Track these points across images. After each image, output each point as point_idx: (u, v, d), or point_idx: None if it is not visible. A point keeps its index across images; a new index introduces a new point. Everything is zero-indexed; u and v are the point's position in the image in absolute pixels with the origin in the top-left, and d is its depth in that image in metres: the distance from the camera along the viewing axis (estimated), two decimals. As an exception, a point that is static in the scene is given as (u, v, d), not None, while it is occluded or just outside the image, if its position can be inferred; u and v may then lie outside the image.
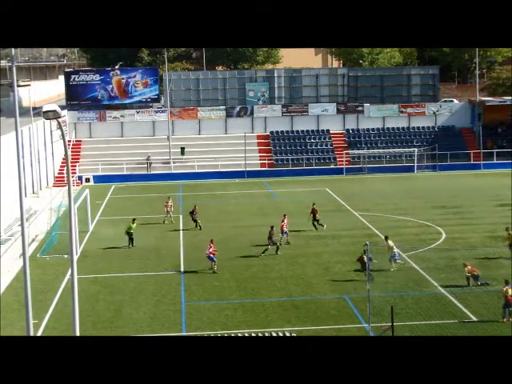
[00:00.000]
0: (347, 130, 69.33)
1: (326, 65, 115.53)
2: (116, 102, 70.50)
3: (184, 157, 65.22)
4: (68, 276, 32.38)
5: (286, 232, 38.33)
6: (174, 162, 64.73)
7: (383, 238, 35.61)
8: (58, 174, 62.76)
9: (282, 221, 38.64)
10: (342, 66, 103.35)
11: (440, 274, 32.33)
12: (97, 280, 33.13)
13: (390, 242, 33.76)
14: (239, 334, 25.43)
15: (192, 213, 43.14)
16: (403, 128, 69.46)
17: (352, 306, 28.44)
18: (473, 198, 50.99)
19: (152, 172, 63.96)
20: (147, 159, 64.13)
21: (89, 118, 68.20)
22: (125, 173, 62.93)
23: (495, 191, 52.39)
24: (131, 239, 38.69)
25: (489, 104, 69.07)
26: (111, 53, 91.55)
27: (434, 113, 69.59)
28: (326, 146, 67.75)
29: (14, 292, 31.03)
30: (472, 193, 52.87)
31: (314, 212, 41.54)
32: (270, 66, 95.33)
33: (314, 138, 68.46)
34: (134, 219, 39.63)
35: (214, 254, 33.49)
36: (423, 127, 69.45)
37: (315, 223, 41.19)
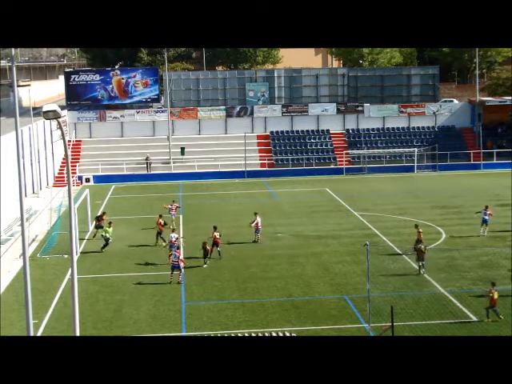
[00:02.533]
0: (347, 130, 69.33)
1: (326, 65, 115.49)
2: (116, 101, 70.49)
3: (184, 157, 65.21)
4: (68, 276, 32.39)
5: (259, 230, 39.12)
6: (173, 162, 64.72)
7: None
8: (58, 174, 62.75)
9: (255, 220, 39.20)
10: (342, 66, 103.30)
11: (440, 274, 32.33)
12: (97, 280, 33.12)
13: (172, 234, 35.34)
14: (239, 334, 25.43)
15: (98, 219, 41.24)
16: (403, 128, 69.46)
17: (352, 306, 28.44)
18: (473, 198, 50.98)
19: (152, 172, 63.93)
20: (146, 159, 64.09)
21: (89, 117, 68.20)
22: (125, 173, 62.91)
23: (495, 191, 52.41)
24: (107, 243, 37.82)
25: (489, 104, 69.05)
26: (111, 53, 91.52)
27: (434, 113, 69.59)
28: (326, 145, 67.74)
29: (14, 292, 31.03)
30: (472, 193, 52.88)
31: (159, 226, 39.46)
32: (270, 66, 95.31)
33: (314, 138, 68.45)
34: (110, 222, 39.24)
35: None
36: (423, 127, 69.45)
37: (158, 236, 39.21)
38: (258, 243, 38.71)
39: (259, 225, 39.12)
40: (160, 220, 39.30)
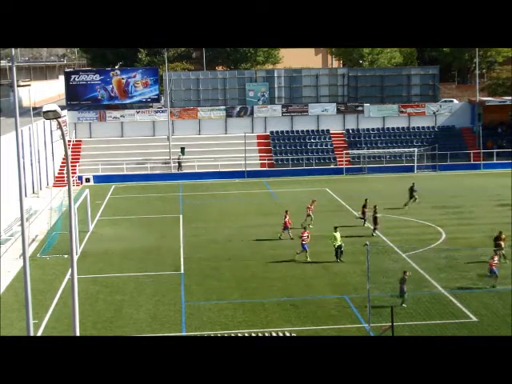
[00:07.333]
0: (347, 130, 69.32)
1: (326, 65, 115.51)
2: (116, 101, 70.49)
3: (184, 157, 65.20)
4: (68, 276, 32.39)
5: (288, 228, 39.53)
6: (174, 162, 64.72)
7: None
8: (58, 174, 62.74)
9: (285, 217, 39.69)
10: (342, 66, 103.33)
11: (440, 274, 32.32)
12: (97, 280, 33.12)
13: None
14: (239, 334, 25.43)
15: (364, 206, 42.80)
16: (403, 128, 69.46)
17: (352, 306, 28.43)
18: (473, 198, 50.97)
19: (152, 172, 63.90)
20: (178, 159, 63.98)
21: (89, 117, 68.20)
22: (125, 173, 62.90)
23: (495, 191, 52.40)
24: (341, 252, 35.12)
25: (489, 104, 69.05)
26: (111, 53, 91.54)
27: (434, 113, 69.58)
28: (326, 145, 67.74)
29: (14, 292, 31.03)
30: (472, 193, 52.86)
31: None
32: (270, 66, 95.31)
33: (314, 138, 68.45)
34: (335, 227, 36.17)
35: (305, 242, 33.53)
36: (423, 127, 69.45)
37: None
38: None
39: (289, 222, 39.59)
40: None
